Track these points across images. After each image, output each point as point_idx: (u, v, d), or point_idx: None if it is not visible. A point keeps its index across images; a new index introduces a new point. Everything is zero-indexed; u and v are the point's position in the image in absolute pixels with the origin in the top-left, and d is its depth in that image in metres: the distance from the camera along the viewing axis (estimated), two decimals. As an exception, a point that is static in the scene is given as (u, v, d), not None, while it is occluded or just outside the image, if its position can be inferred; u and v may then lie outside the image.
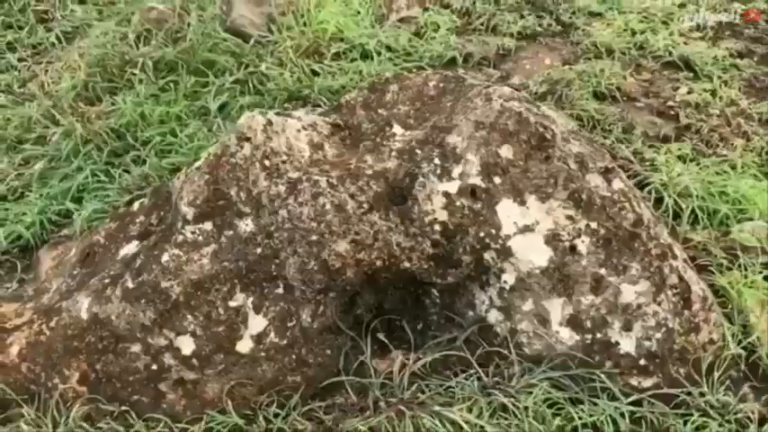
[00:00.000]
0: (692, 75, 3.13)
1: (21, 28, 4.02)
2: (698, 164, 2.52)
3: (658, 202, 2.30)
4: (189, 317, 1.89)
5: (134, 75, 3.24)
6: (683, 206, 2.29)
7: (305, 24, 3.46)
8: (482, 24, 3.52)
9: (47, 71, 3.61)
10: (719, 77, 3.07)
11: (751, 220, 2.26)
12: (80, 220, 2.56)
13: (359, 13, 3.63)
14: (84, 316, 1.93)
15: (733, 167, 2.52)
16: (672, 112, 2.88)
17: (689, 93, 2.95)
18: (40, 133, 3.13)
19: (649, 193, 2.32)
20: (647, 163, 2.50)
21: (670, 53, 3.22)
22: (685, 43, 3.33)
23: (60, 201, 2.74)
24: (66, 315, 1.97)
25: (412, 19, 3.61)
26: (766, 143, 2.67)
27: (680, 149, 2.60)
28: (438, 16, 3.58)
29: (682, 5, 3.69)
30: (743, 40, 3.43)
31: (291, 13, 3.52)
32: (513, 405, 1.84)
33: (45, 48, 3.88)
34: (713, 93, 2.97)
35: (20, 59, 3.80)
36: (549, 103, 2.76)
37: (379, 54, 3.33)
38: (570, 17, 3.58)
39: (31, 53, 3.88)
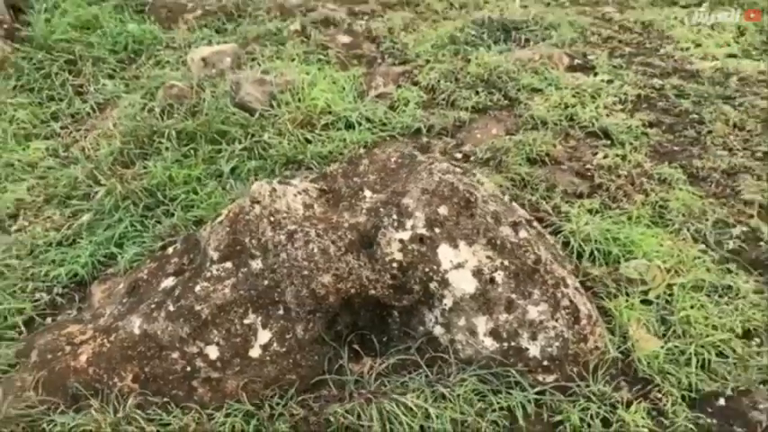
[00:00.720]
0: (609, 142, 3.68)
1: (61, 100, 4.60)
2: (602, 215, 3.07)
3: (567, 245, 2.88)
4: (215, 331, 2.44)
5: (161, 143, 3.76)
6: (585, 248, 2.86)
7: (300, 100, 4.00)
8: (444, 99, 4.11)
9: (86, 137, 4.15)
10: (631, 144, 3.64)
11: (636, 259, 2.83)
12: (123, 262, 3.06)
13: (344, 89, 4.20)
14: (137, 332, 2.48)
15: (629, 218, 3.07)
16: (589, 174, 3.42)
17: (604, 157, 3.52)
18: (85, 191, 3.63)
19: (560, 238, 2.90)
20: (563, 215, 3.06)
21: (593, 124, 3.79)
22: (608, 115, 3.91)
23: (106, 246, 3.22)
24: (122, 331, 2.52)
25: (387, 95, 4.19)
26: (660, 198, 3.23)
27: (591, 204, 3.15)
28: (408, 92, 4.18)
29: (609, 81, 4.34)
30: (655, 112, 4.01)
31: (288, 91, 4.06)
32: (450, 394, 2.30)
33: (82, 116, 4.45)
34: (624, 157, 3.52)
35: (62, 127, 4.37)
36: (490, 168, 3.38)
37: (360, 124, 3.87)
38: (516, 93, 4.13)
39: (70, 121, 4.44)
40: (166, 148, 3.73)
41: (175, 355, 2.46)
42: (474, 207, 2.46)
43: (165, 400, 2.43)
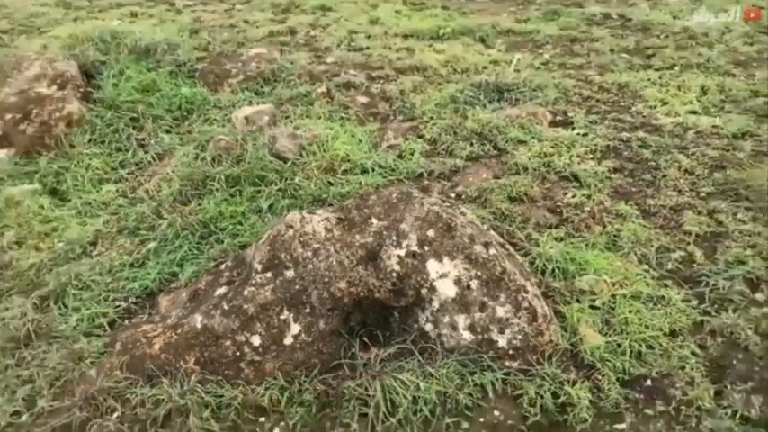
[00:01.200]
0: (578, 184, 4.30)
1: (127, 151, 5.23)
2: (565, 242, 3.70)
3: (533, 263, 3.53)
4: (258, 324, 2.94)
5: (212, 186, 4.30)
6: (548, 266, 3.50)
7: (324, 151, 4.63)
8: (444, 150, 4.75)
9: (149, 181, 4.79)
10: (596, 186, 4.25)
11: (588, 274, 3.46)
12: (183, 278, 3.68)
13: (361, 142, 4.86)
14: (198, 326, 3.11)
15: (587, 244, 3.70)
16: (558, 210, 4.02)
17: (573, 197, 4.13)
18: (151, 224, 4.21)
19: (528, 258, 3.57)
20: (533, 241, 3.68)
21: (566, 169, 4.43)
22: (579, 162, 4.54)
23: (169, 266, 3.73)
24: (187, 326, 3.15)
25: (397, 146, 4.81)
26: (615, 229, 3.86)
27: (557, 233, 3.76)
28: (414, 144, 4.82)
29: (584, 135, 5.03)
30: (620, 160, 4.61)
31: (315, 143, 4.70)
32: (436, 373, 2.76)
33: (144, 165, 5.10)
34: (589, 196, 4.12)
35: (128, 173, 4.99)
36: (477, 204, 4.05)
37: (373, 170, 4.50)
38: (504, 144, 4.75)
39: (135, 168, 5.09)
40: (216, 190, 4.26)
41: (227, 342, 2.97)
42: (454, 230, 3.19)
43: (219, 378, 2.92)
